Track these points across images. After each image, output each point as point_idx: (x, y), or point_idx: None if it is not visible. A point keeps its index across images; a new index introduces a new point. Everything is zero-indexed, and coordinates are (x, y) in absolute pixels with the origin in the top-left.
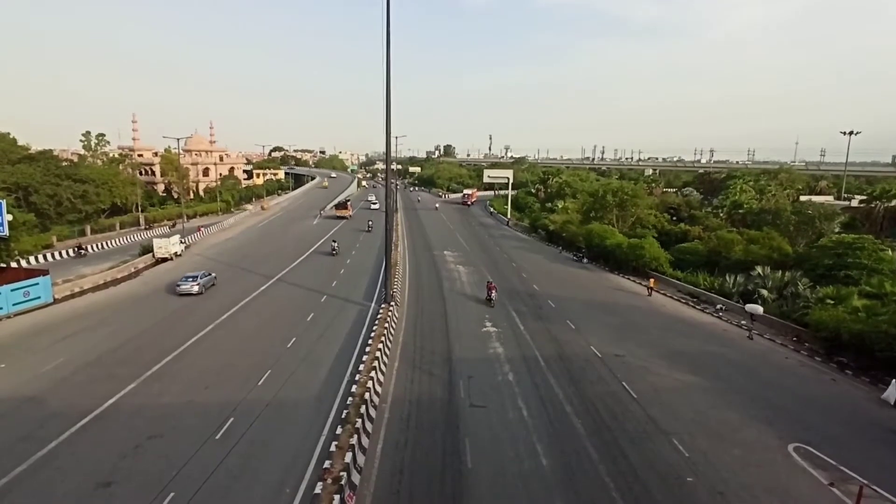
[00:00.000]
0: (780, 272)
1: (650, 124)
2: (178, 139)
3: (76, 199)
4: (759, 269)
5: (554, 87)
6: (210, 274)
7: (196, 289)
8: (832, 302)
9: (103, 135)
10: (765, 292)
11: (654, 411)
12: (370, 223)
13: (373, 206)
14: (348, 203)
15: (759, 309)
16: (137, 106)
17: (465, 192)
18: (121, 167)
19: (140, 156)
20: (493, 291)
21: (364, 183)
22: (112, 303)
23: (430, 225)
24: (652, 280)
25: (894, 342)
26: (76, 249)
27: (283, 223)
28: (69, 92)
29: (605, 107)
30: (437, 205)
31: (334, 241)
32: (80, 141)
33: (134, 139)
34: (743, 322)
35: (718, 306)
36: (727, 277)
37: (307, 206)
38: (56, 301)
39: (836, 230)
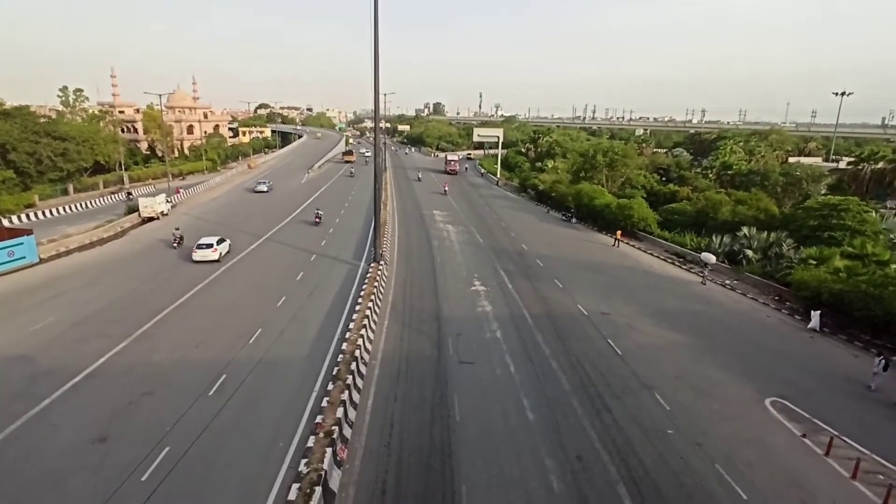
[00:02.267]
0: (766, 233)
1: (642, 83)
2: (159, 95)
3: (56, 157)
4: (745, 230)
5: (546, 44)
6: (270, 181)
7: (265, 188)
8: (815, 262)
9: (81, 90)
10: (750, 252)
11: (638, 367)
12: (367, 160)
13: (366, 155)
14: (353, 151)
15: (711, 258)
16: (114, 59)
17: (449, 157)
18: (101, 124)
19: (121, 112)
20: None
21: (352, 140)
22: (99, 262)
23: (419, 185)
24: (619, 232)
25: (872, 302)
26: (127, 194)
27: (272, 182)
28: (40, 44)
29: (597, 65)
30: (447, 187)
31: (352, 169)
32: (58, 96)
33: (114, 95)
34: (727, 281)
35: (709, 267)
36: (713, 238)
37: (295, 164)
38: (42, 261)
39: (823, 192)
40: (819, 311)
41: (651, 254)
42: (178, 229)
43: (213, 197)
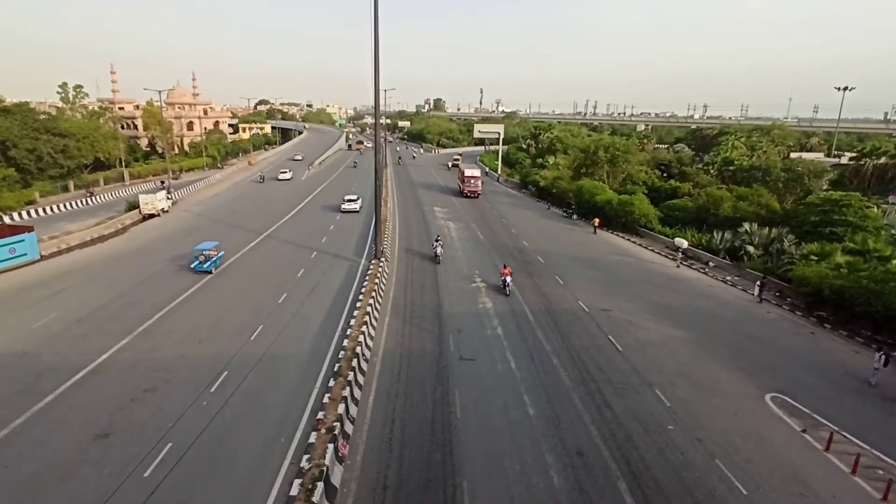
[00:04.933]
0: (767, 229)
1: (643, 79)
2: (159, 91)
3: (57, 153)
4: (746, 226)
5: (547, 39)
6: (303, 153)
7: (300, 157)
8: (816, 258)
9: (81, 86)
10: (751, 248)
11: (639, 363)
12: (368, 146)
13: (367, 145)
14: (363, 141)
15: (684, 243)
16: (114, 55)
17: (466, 171)
18: (101, 121)
19: (121, 108)
20: None
21: (352, 137)
22: (100, 259)
23: (420, 181)
24: (596, 220)
25: (873, 297)
26: (161, 182)
27: (272, 179)
28: (39, 40)
29: (599, 60)
30: (509, 275)
31: (361, 153)
32: (57, 93)
33: (113, 91)
34: (728, 277)
35: (711, 264)
36: (715, 234)
37: (296, 160)
38: (43, 258)
39: (825, 187)
40: (758, 283)
41: (652, 250)
42: (262, 172)
43: (213, 194)
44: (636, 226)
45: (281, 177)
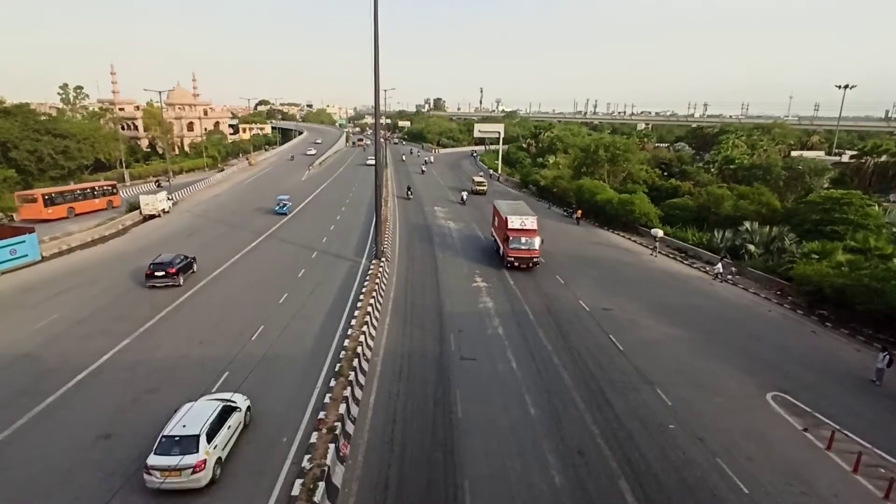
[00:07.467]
0: (768, 227)
1: (644, 77)
2: (159, 92)
3: (57, 154)
4: (747, 225)
5: (547, 38)
6: (321, 139)
7: (320, 140)
8: (817, 257)
9: (81, 87)
10: (752, 247)
11: (640, 363)
12: (368, 144)
13: (367, 143)
14: (363, 139)
15: (659, 232)
16: (114, 56)
17: (512, 220)
18: (102, 122)
19: (121, 109)
20: None
21: (352, 135)
22: (101, 260)
23: (420, 180)
24: (580, 212)
25: (874, 296)
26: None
27: (272, 179)
28: (40, 41)
29: (599, 59)
30: None
31: (364, 148)
32: (58, 94)
33: (114, 92)
34: (729, 276)
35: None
36: (715, 233)
37: (296, 161)
38: (44, 259)
39: (826, 186)
40: (720, 262)
41: (651, 248)
42: (293, 153)
43: (214, 194)
44: (637, 225)
45: (308, 152)
